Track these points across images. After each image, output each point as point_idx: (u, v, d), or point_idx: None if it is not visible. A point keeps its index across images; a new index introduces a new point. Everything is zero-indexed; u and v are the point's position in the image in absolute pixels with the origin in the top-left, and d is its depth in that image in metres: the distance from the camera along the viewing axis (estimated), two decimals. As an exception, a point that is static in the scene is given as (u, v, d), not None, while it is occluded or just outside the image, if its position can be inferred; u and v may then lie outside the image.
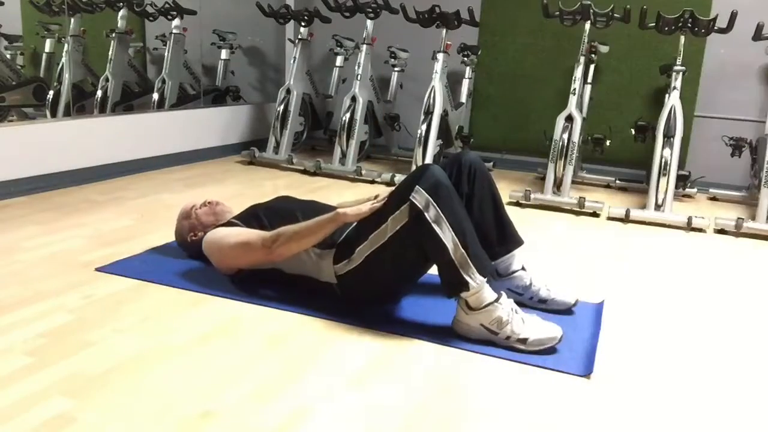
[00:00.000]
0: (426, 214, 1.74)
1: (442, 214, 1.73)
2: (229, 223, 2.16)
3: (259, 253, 1.97)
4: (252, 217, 2.15)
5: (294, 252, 1.95)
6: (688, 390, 1.62)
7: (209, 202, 2.34)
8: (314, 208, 2.10)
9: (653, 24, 3.60)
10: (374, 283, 1.91)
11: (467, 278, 1.72)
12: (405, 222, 1.77)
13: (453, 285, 1.76)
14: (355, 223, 1.95)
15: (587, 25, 3.79)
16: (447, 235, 1.73)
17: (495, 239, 2.02)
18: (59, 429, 1.30)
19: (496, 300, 1.75)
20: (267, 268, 2.05)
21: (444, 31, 4.11)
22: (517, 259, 2.08)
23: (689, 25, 3.54)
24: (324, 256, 1.94)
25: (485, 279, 1.75)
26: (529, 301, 2.06)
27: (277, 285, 2.06)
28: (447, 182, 1.79)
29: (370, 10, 4.23)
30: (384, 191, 1.91)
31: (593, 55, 4.28)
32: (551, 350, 1.75)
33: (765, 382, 1.69)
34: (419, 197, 1.75)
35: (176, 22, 4.50)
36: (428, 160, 3.90)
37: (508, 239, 2.06)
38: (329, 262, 1.92)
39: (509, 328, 1.74)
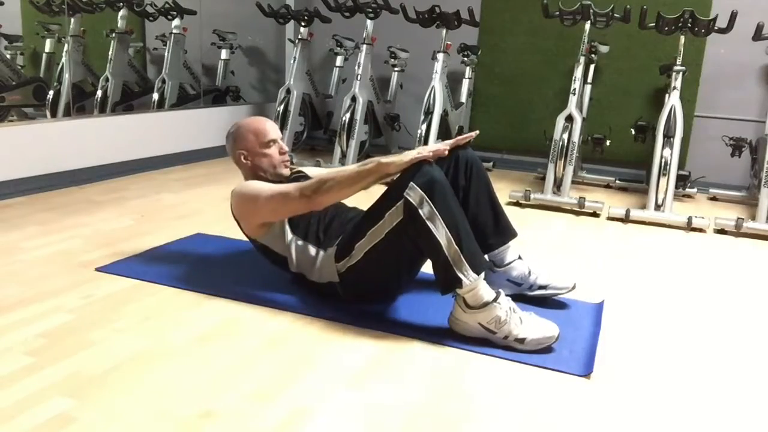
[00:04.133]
0: (420, 210, 1.74)
1: (436, 211, 1.73)
2: (261, 180, 2.11)
3: (299, 203, 1.90)
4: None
5: (334, 201, 1.91)
6: (688, 390, 1.62)
7: (284, 152, 2.17)
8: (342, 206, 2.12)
9: (653, 24, 3.60)
10: (374, 278, 1.92)
11: (460, 275, 1.73)
12: (400, 219, 1.78)
13: (446, 282, 1.76)
14: (352, 222, 1.96)
15: (587, 25, 3.79)
16: (440, 232, 1.73)
17: (491, 231, 2.04)
18: (59, 429, 1.30)
19: (495, 299, 1.75)
20: (278, 253, 2.04)
21: (444, 31, 4.11)
22: (512, 250, 2.10)
23: (689, 25, 3.54)
24: (327, 256, 1.95)
25: (479, 276, 1.75)
26: (528, 290, 2.08)
27: (278, 286, 2.07)
28: (442, 179, 1.79)
29: (370, 10, 4.23)
30: (426, 148, 1.86)
31: (593, 55, 4.28)
32: (549, 349, 1.75)
33: (765, 382, 1.69)
34: (413, 194, 1.75)
35: (176, 22, 4.50)
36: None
37: (504, 231, 2.07)
38: (331, 261, 1.93)
39: (507, 328, 1.74)
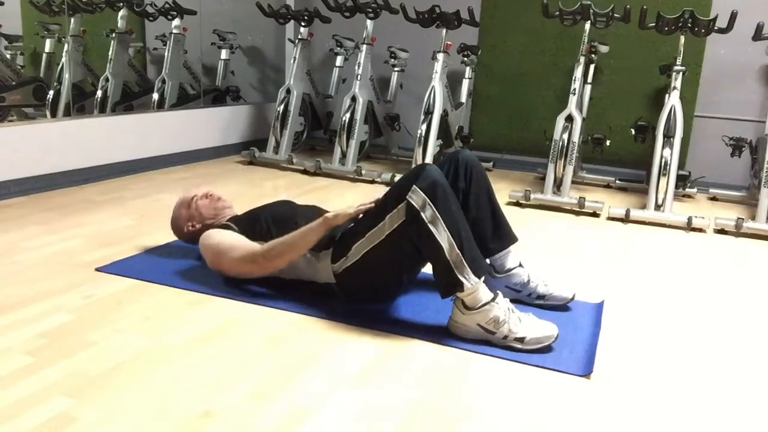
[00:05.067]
0: (422, 214, 1.74)
1: (438, 215, 1.73)
2: (226, 226, 2.15)
3: (253, 267, 2.00)
4: (253, 221, 2.13)
5: (288, 262, 1.97)
6: (688, 390, 1.62)
7: (210, 195, 2.33)
8: (316, 214, 2.10)
9: (653, 24, 3.60)
10: (372, 279, 1.92)
11: (462, 279, 1.73)
12: (402, 221, 1.78)
13: (448, 285, 1.76)
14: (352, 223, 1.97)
15: (587, 25, 3.79)
16: (443, 236, 1.73)
17: (490, 236, 2.03)
18: (59, 429, 1.30)
19: (493, 299, 1.75)
20: (262, 276, 2.05)
21: (444, 31, 4.11)
22: (513, 255, 2.09)
23: (689, 25, 3.54)
24: (321, 258, 1.95)
25: (480, 280, 1.75)
26: (527, 298, 2.07)
27: (277, 286, 2.07)
28: (444, 182, 1.79)
29: (370, 10, 4.24)
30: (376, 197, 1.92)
31: (593, 55, 4.28)
32: (548, 348, 1.75)
33: (765, 382, 1.69)
34: (416, 197, 1.75)
35: (176, 22, 4.50)
36: (428, 160, 3.91)
37: (504, 236, 2.07)
38: (327, 262, 1.93)
39: (506, 328, 1.74)
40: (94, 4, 4.07)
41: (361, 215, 1.90)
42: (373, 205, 1.88)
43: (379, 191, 1.90)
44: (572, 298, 2.08)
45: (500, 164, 4.81)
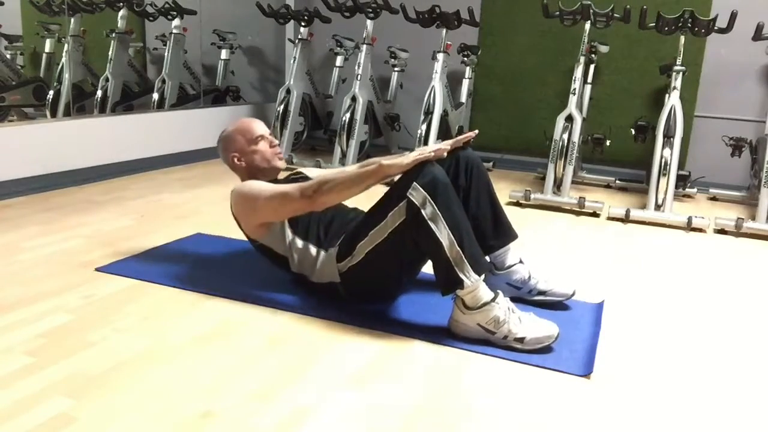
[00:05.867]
0: (423, 211, 1.74)
1: (438, 212, 1.73)
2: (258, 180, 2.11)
3: (299, 203, 1.91)
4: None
5: (334, 202, 1.91)
6: (688, 390, 1.62)
7: (275, 145, 2.21)
8: (351, 210, 2.10)
9: (653, 24, 3.60)
10: (375, 278, 1.92)
11: (462, 276, 1.73)
12: (403, 218, 1.78)
13: (448, 283, 1.76)
14: (353, 222, 1.96)
15: (587, 25, 3.79)
16: (443, 233, 1.73)
17: (491, 232, 2.03)
18: (59, 429, 1.30)
19: (493, 299, 1.75)
20: (278, 253, 2.04)
21: (444, 31, 4.12)
22: (513, 253, 2.10)
23: (689, 25, 3.54)
24: (329, 258, 1.95)
25: (480, 278, 1.75)
26: (527, 295, 2.08)
27: (277, 286, 2.07)
28: (445, 179, 1.79)
29: (370, 10, 4.24)
30: (426, 148, 1.84)
31: (593, 55, 4.28)
32: (548, 348, 1.75)
33: (765, 382, 1.69)
34: (416, 194, 1.75)
35: (176, 22, 4.51)
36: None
37: (504, 233, 2.07)
38: (332, 261, 1.93)
39: (506, 328, 1.74)
40: (94, 4, 4.07)
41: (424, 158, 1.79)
42: (432, 155, 1.80)
43: (380, 191, 1.89)
44: (573, 294, 2.08)
45: (500, 164, 4.81)
